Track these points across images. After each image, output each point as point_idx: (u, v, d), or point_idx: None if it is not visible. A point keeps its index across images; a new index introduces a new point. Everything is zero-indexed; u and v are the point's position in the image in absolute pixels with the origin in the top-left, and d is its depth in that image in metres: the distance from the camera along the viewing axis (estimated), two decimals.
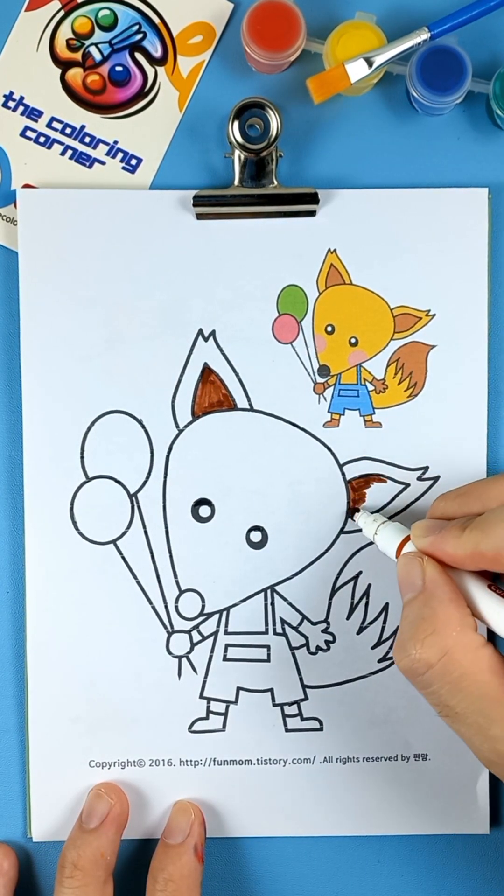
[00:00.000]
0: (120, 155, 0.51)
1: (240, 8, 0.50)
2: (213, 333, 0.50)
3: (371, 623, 0.50)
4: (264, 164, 0.49)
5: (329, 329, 0.50)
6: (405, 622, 0.42)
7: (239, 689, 0.50)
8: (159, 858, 0.48)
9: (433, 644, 0.40)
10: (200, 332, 0.50)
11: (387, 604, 0.50)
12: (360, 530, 0.50)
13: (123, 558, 0.50)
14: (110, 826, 0.48)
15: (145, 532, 0.50)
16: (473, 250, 0.50)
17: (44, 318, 0.50)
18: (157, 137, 0.51)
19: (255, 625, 0.50)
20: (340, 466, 0.50)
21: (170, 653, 0.50)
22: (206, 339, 0.50)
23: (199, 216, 0.50)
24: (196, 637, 0.50)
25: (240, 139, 0.48)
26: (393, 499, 0.50)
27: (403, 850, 0.51)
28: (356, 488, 0.50)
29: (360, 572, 0.50)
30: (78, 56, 0.50)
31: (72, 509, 0.50)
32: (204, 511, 0.50)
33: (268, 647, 0.50)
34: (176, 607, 0.50)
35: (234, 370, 0.50)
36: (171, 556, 0.50)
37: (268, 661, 0.50)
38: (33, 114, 0.50)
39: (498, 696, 0.40)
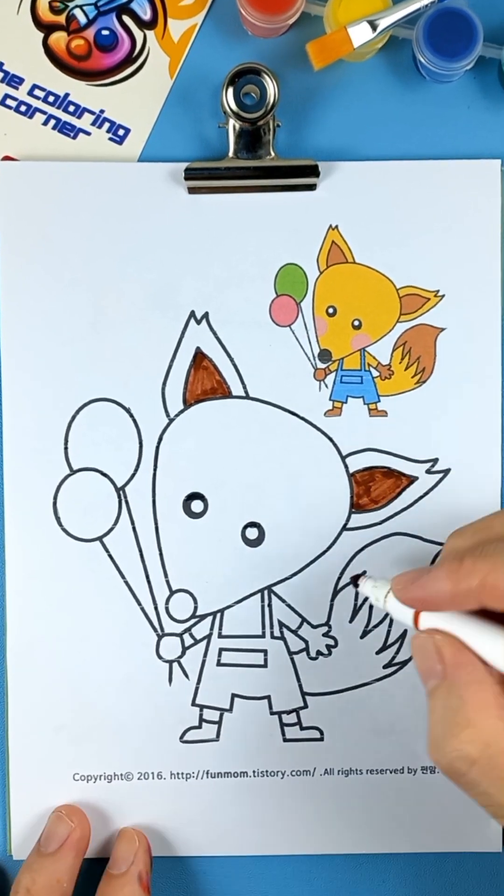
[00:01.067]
0: (106, 125, 0.50)
1: None
2: (206, 316, 0.50)
3: (375, 626, 0.50)
4: (260, 134, 0.49)
5: (330, 311, 0.50)
6: (434, 717, 0.39)
7: (234, 696, 0.50)
8: (102, 891, 0.48)
9: (471, 738, 0.37)
10: (192, 314, 0.50)
11: None
12: (364, 527, 0.50)
13: (110, 556, 0.50)
14: (69, 851, 0.48)
15: (133, 528, 0.50)
16: (485, 226, 0.50)
17: (25, 299, 0.49)
18: (146, 106, 0.50)
19: (251, 627, 0.50)
20: (343, 458, 0.50)
21: (160, 657, 0.50)
22: (198, 322, 0.50)
23: (191, 190, 0.49)
24: (188, 640, 0.50)
25: (234, 108, 0.48)
26: (399, 493, 0.50)
27: (410, 870, 0.51)
28: (360, 482, 0.50)
29: (364, 572, 0.49)
30: (61, 19, 0.50)
31: (55, 504, 0.50)
32: (196, 506, 0.50)
33: (265, 651, 0.50)
34: (166, 608, 0.50)
35: (229, 355, 0.50)
36: (161, 555, 0.50)
37: (265, 666, 0.50)
38: (13, 81, 0.50)
39: None
